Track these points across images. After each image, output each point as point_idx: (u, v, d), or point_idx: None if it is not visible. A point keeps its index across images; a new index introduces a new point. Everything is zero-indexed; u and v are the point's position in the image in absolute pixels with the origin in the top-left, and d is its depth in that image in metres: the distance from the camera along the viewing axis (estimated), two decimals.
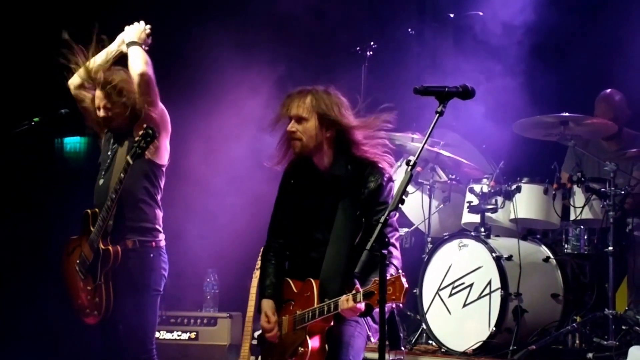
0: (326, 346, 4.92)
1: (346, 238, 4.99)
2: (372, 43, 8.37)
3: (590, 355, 6.86)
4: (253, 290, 6.47)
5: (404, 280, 4.49)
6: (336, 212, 5.04)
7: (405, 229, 8.11)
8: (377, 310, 4.77)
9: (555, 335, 7.14)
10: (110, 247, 5.75)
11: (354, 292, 4.66)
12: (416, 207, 8.15)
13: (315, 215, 5.12)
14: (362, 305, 4.69)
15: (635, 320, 7.01)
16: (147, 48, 6.02)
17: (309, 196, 5.17)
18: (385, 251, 4.30)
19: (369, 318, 4.97)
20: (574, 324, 7.17)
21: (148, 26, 6.09)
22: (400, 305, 4.61)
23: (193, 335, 7.97)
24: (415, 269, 7.58)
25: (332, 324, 4.92)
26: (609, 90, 8.11)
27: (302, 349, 4.90)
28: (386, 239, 4.34)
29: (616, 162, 7.22)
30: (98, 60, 6.05)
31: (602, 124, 7.63)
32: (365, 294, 4.60)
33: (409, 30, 8.70)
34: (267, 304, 5.15)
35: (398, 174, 6.78)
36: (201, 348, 7.92)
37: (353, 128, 5.08)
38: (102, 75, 5.89)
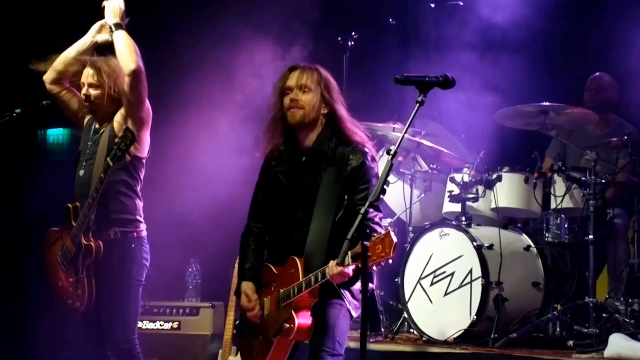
0: (313, 321, 4.88)
1: (329, 215, 4.97)
2: (353, 33, 8.37)
3: (570, 342, 6.89)
4: (235, 280, 6.49)
5: (393, 235, 4.41)
6: (318, 190, 5.04)
7: (388, 219, 8.13)
8: (357, 287, 4.86)
9: (535, 323, 7.18)
10: (92, 243, 5.75)
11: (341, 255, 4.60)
12: (397, 196, 8.17)
13: (297, 194, 5.10)
14: (350, 270, 4.67)
15: (615, 308, 7.05)
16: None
17: (291, 175, 5.15)
18: (367, 242, 4.34)
19: (348, 295, 4.94)
20: (555, 312, 7.21)
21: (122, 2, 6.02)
22: (390, 261, 4.54)
23: (175, 325, 7.97)
24: (397, 259, 7.57)
25: (317, 299, 4.88)
26: (598, 73, 8.17)
27: (288, 325, 4.84)
28: (367, 230, 4.35)
29: (601, 150, 7.25)
30: (72, 50, 6.05)
31: (582, 114, 7.63)
32: (353, 255, 4.51)
33: (390, 20, 8.69)
34: (247, 285, 5.14)
35: (379, 163, 6.79)
36: (183, 338, 7.92)
37: (343, 114, 5.11)
38: (91, 55, 5.92)
